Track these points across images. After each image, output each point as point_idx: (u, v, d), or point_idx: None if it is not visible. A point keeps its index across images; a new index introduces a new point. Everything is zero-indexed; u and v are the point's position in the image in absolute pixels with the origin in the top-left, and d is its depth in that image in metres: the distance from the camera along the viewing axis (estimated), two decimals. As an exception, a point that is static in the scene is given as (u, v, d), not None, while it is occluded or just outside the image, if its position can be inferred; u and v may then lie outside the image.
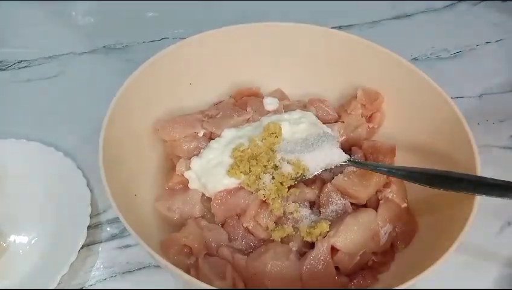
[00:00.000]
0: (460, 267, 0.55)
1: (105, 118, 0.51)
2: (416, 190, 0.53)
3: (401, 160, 0.58)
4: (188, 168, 0.55)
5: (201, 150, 0.57)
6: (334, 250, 0.49)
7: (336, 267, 0.49)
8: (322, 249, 0.48)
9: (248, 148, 0.54)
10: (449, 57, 0.84)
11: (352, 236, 0.49)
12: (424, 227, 0.52)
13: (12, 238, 0.57)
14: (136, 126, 0.56)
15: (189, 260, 0.49)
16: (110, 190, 0.45)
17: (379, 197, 0.54)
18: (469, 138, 0.50)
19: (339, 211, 0.53)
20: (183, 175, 0.55)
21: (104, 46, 0.82)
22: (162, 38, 0.84)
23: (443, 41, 0.86)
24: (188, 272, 0.45)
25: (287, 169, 0.53)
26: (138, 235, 0.42)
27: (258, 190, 0.52)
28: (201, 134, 0.59)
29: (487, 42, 0.87)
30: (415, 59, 0.83)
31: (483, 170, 0.49)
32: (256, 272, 0.47)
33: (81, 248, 0.54)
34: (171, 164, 0.59)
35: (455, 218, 0.46)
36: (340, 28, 0.87)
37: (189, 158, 0.56)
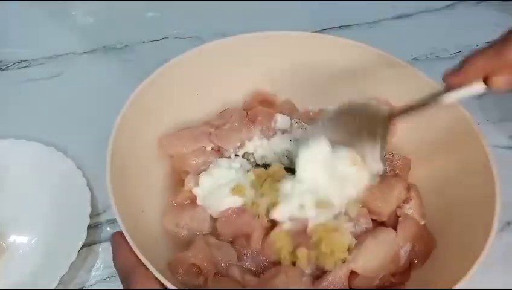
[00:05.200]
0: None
1: (112, 136, 0.48)
2: (433, 205, 0.52)
3: (415, 168, 0.57)
4: (197, 184, 0.53)
5: (210, 165, 0.54)
6: (352, 274, 0.46)
7: None
8: (339, 275, 0.45)
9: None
10: (449, 57, 0.84)
11: (372, 259, 0.46)
12: (441, 244, 0.50)
13: (12, 238, 0.57)
14: (142, 141, 0.54)
15: (198, 280, 0.47)
16: (118, 209, 0.43)
17: (398, 214, 0.51)
18: (484, 147, 0.49)
19: (357, 232, 0.49)
20: (191, 191, 0.53)
21: (104, 46, 0.82)
22: (162, 38, 0.84)
23: (443, 41, 0.86)
24: None
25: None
26: (145, 257, 0.40)
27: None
28: (209, 148, 0.57)
29: (487, 42, 0.86)
30: (415, 59, 0.83)
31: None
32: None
33: (81, 248, 0.54)
34: (178, 178, 0.56)
35: (474, 235, 0.45)
36: (340, 28, 0.87)
37: (198, 173, 0.54)
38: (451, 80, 0.43)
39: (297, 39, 0.60)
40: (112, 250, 0.43)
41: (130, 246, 0.40)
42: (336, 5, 0.90)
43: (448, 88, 0.44)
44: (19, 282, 0.53)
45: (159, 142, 0.56)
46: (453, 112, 0.53)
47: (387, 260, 0.47)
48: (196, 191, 0.53)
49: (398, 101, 0.58)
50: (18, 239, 0.57)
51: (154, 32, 0.84)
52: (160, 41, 0.83)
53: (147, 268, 0.39)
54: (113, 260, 0.43)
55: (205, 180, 0.53)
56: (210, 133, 0.57)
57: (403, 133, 0.59)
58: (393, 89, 0.58)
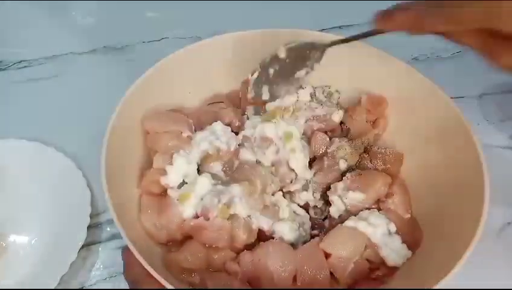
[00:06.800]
0: (460, 267, 0.55)
1: (104, 139, 0.48)
2: (423, 199, 0.53)
3: (406, 163, 0.57)
4: (169, 163, 0.50)
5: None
6: (326, 255, 0.48)
7: (333, 276, 0.48)
8: (313, 242, 0.49)
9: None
10: (449, 57, 0.84)
11: (340, 240, 0.48)
12: (429, 238, 0.51)
13: (12, 238, 0.57)
14: (137, 140, 0.54)
15: (193, 279, 0.47)
16: (115, 209, 0.44)
17: (381, 208, 0.53)
18: (474, 142, 0.49)
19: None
20: (159, 172, 0.51)
21: (104, 46, 0.82)
22: (162, 38, 0.84)
23: (443, 41, 0.85)
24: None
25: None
26: (142, 256, 0.41)
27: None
28: (185, 134, 0.54)
29: (487, 42, 0.86)
30: (415, 59, 0.83)
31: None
32: (260, 258, 0.47)
33: (81, 248, 0.54)
34: (150, 162, 0.54)
35: (463, 230, 0.45)
36: (340, 28, 0.87)
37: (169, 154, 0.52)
38: (380, 23, 0.50)
39: (295, 37, 0.60)
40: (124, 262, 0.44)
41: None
42: (336, 5, 0.90)
43: (376, 28, 0.51)
44: (19, 282, 0.53)
45: (142, 118, 0.54)
46: (445, 108, 0.54)
47: (358, 245, 0.49)
48: (168, 169, 0.50)
49: (398, 101, 0.59)
50: (18, 239, 0.57)
51: (154, 32, 0.84)
52: (160, 41, 0.83)
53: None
54: (124, 271, 0.44)
55: (179, 161, 0.51)
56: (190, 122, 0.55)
57: (395, 128, 0.59)
58: (393, 89, 0.58)
